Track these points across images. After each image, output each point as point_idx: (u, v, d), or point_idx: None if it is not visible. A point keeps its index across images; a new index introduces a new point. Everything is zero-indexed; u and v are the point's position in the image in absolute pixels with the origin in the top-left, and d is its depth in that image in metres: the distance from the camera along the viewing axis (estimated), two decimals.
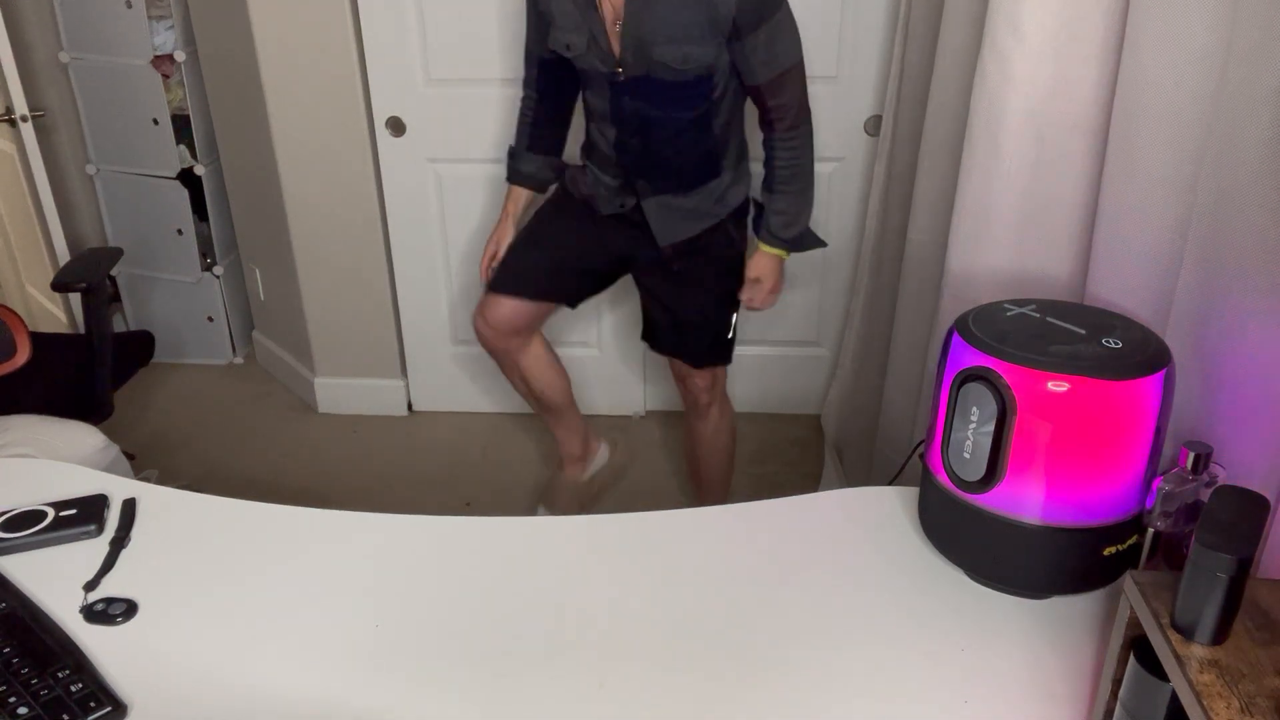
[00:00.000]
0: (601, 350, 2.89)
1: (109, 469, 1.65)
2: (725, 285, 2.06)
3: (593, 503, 2.53)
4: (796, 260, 2.81)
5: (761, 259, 1.99)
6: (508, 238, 2.13)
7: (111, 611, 1.05)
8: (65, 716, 0.90)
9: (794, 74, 1.84)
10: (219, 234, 3.24)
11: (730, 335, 2.13)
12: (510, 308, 2.10)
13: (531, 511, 2.53)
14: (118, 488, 1.27)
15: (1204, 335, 1.09)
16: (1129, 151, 1.24)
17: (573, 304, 2.19)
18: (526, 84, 2.06)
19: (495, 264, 2.12)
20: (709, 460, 2.35)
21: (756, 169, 2.04)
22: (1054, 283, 1.50)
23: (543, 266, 2.11)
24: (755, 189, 2.04)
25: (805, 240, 2.01)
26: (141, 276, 3.29)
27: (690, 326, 2.11)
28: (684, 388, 2.22)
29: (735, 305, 2.08)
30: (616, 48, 1.78)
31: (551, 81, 2.02)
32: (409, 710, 0.94)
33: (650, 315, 2.17)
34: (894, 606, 1.07)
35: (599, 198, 2.03)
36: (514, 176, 2.14)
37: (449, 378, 3.03)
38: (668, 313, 2.12)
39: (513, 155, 2.14)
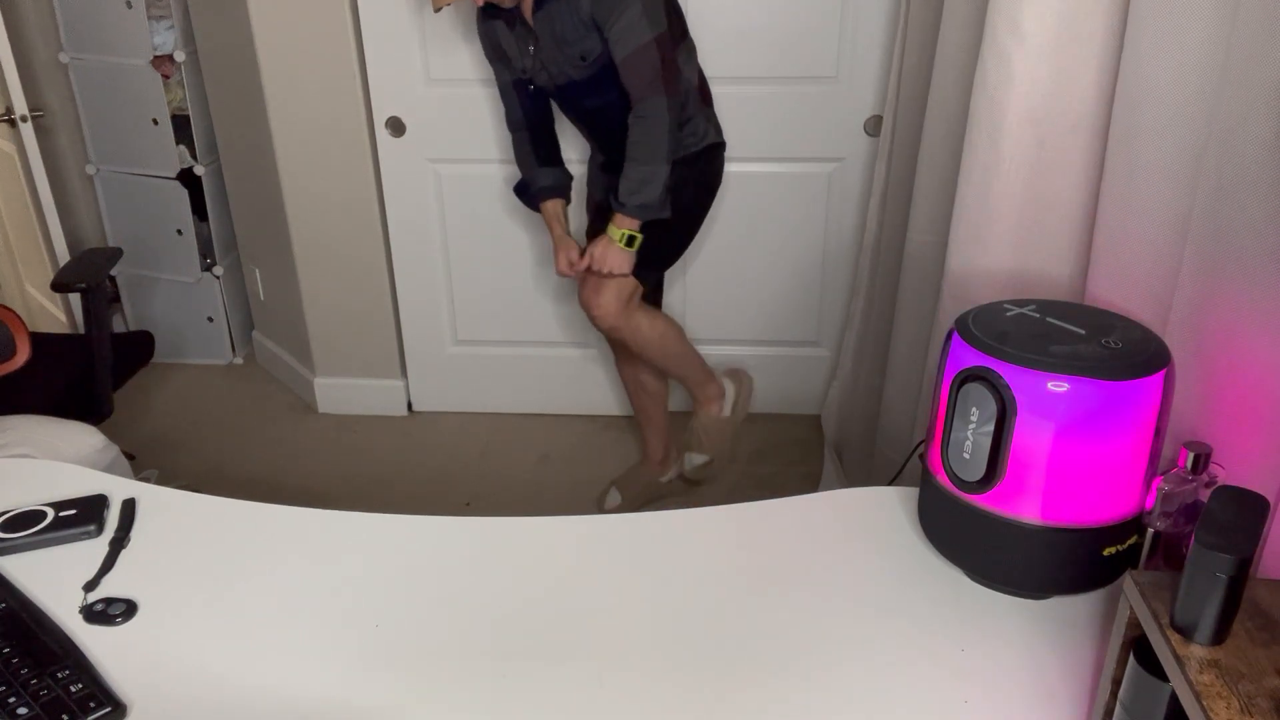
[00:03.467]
0: (601, 350, 2.89)
1: (109, 469, 1.65)
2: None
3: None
4: (797, 260, 2.81)
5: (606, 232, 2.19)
6: (574, 248, 2.31)
7: (111, 612, 1.05)
8: (65, 716, 0.90)
9: (641, 53, 2.04)
10: (219, 234, 3.24)
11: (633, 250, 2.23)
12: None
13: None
14: (117, 488, 1.27)
15: (1204, 335, 1.09)
16: (1129, 151, 1.24)
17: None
18: (513, 125, 2.33)
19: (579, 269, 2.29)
20: (658, 366, 2.47)
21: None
22: (1054, 283, 1.50)
23: None
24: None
25: (648, 210, 2.14)
26: (141, 277, 3.29)
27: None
28: (591, 319, 2.34)
29: (650, 233, 2.20)
30: (539, 67, 2.14)
31: (532, 106, 2.29)
32: (409, 710, 0.94)
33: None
34: (894, 607, 1.07)
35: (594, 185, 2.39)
36: (541, 195, 2.35)
37: (449, 378, 3.03)
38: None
39: (529, 181, 2.35)
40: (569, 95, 2.19)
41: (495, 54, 2.23)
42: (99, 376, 2.24)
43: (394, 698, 0.96)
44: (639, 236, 2.16)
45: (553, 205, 2.35)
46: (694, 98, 2.22)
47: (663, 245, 2.28)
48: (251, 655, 1.00)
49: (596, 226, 2.37)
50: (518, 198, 2.43)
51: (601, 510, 2.65)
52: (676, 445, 2.64)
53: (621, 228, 2.15)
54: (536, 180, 2.35)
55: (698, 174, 2.28)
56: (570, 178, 2.39)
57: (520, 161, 2.37)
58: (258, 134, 2.79)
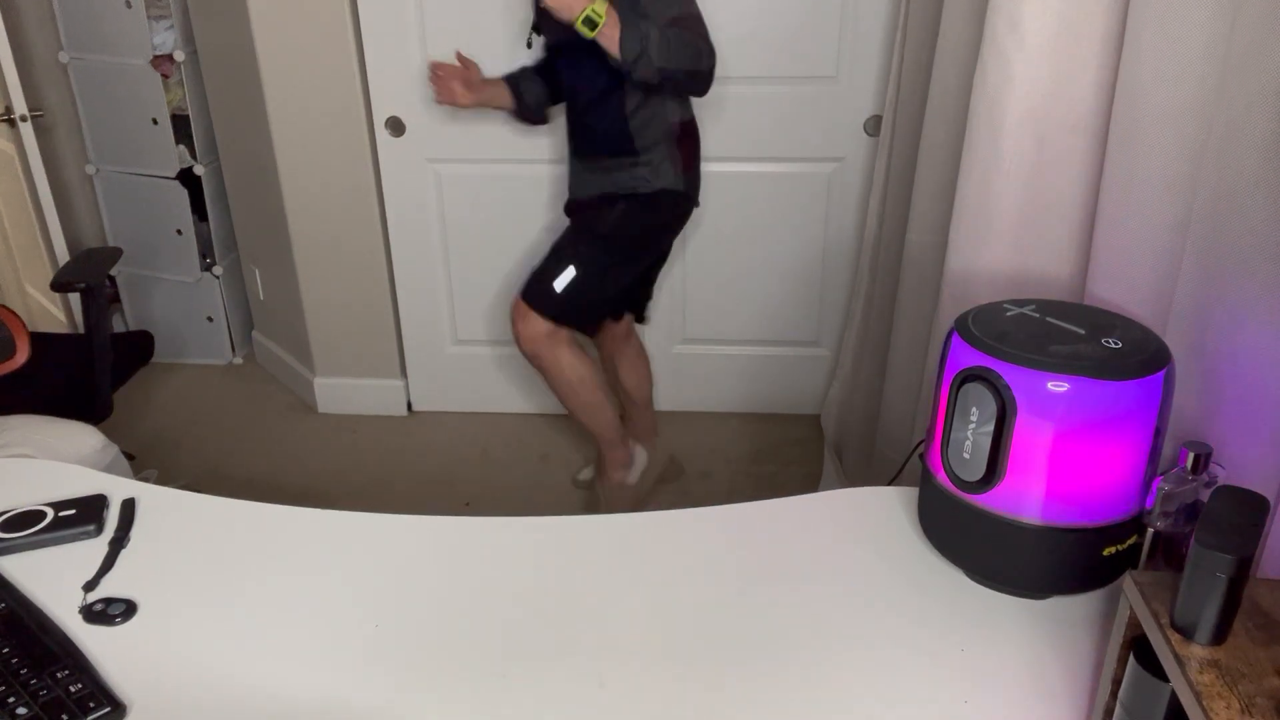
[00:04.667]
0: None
1: (108, 469, 1.65)
2: (584, 243, 2.23)
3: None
4: (797, 260, 2.82)
5: None
6: (494, 93, 2.32)
7: (111, 612, 1.05)
8: (64, 717, 0.90)
9: (688, 21, 2.01)
10: (219, 234, 3.23)
11: (557, 289, 2.20)
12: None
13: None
14: (117, 488, 1.27)
15: (1204, 335, 1.09)
16: (1129, 151, 1.24)
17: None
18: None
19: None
20: (569, 409, 2.41)
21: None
22: (1054, 283, 1.49)
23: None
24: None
25: (630, 38, 1.94)
26: (141, 276, 3.29)
27: (541, 264, 2.25)
28: (515, 338, 2.30)
29: (583, 268, 2.19)
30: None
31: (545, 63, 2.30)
32: (409, 710, 0.94)
33: None
34: (894, 606, 1.07)
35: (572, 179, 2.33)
36: (510, 79, 2.32)
37: (449, 378, 3.03)
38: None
39: (515, 75, 2.33)
40: (561, 58, 2.17)
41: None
42: (99, 376, 2.24)
43: (394, 697, 0.96)
44: (601, 21, 1.92)
45: (505, 88, 2.32)
46: (666, 133, 2.15)
47: (590, 284, 2.21)
48: (251, 655, 1.00)
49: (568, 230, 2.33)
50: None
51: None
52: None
53: (598, 7, 1.92)
54: (520, 78, 2.33)
55: (649, 216, 2.24)
56: (537, 107, 2.36)
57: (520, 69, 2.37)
58: (258, 134, 2.79)
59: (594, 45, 1.94)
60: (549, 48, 2.22)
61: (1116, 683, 0.87)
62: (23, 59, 2.79)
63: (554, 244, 2.27)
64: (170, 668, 0.98)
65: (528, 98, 2.33)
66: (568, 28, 1.92)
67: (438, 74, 2.27)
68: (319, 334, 2.98)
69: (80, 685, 0.94)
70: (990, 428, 1.02)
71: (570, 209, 2.31)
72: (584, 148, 2.22)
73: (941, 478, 1.10)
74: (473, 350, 2.99)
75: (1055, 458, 1.00)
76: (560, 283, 2.19)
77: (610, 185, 2.20)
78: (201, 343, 3.35)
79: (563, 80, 2.20)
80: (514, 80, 2.33)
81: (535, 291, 2.21)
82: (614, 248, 2.24)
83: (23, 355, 2.04)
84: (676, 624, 1.04)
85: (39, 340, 2.24)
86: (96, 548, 1.16)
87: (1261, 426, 1.00)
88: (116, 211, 3.23)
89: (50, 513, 1.18)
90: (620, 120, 2.12)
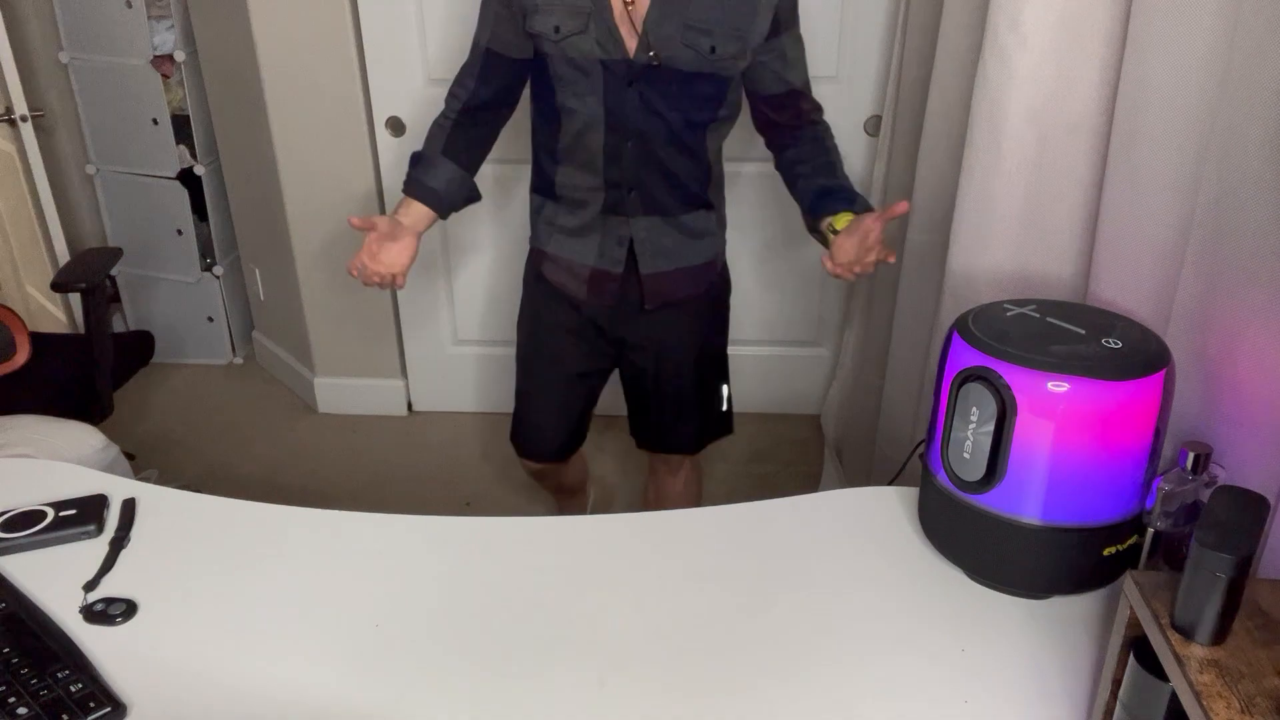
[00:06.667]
0: None
1: (109, 469, 1.65)
2: (715, 345, 1.93)
3: None
4: (797, 260, 2.82)
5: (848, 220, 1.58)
6: (408, 256, 1.67)
7: (111, 611, 1.05)
8: (65, 716, 0.90)
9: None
10: (219, 234, 3.23)
11: (725, 407, 1.97)
12: (544, 468, 2.03)
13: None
14: (117, 488, 1.27)
15: (1204, 335, 1.09)
16: (1130, 151, 1.24)
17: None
18: (458, 86, 1.70)
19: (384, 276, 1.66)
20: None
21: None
22: (1055, 283, 1.49)
23: (562, 427, 1.94)
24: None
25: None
26: (141, 277, 3.29)
27: (680, 405, 1.91)
28: (664, 463, 2.04)
29: (725, 372, 1.96)
30: (627, 30, 1.54)
31: (495, 86, 1.68)
32: (409, 710, 0.94)
33: (635, 401, 1.96)
34: (894, 607, 1.07)
35: (573, 263, 1.75)
36: (415, 188, 1.70)
37: (449, 378, 3.03)
38: (654, 393, 1.90)
39: (418, 161, 1.73)
40: (635, 85, 1.57)
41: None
42: (99, 376, 2.24)
43: (394, 697, 0.96)
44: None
45: (423, 219, 1.69)
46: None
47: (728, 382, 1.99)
48: (251, 655, 1.00)
49: (578, 350, 1.85)
50: (408, 171, 1.76)
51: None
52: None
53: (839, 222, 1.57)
54: (426, 173, 1.71)
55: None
56: (465, 196, 1.77)
57: (430, 134, 1.75)
58: (258, 134, 2.79)
59: (711, 80, 1.59)
60: (619, 74, 1.58)
61: (1116, 683, 0.87)
62: (23, 59, 2.79)
63: (667, 369, 1.86)
64: (170, 668, 0.98)
65: (446, 195, 1.73)
66: (679, 49, 1.54)
67: (360, 269, 1.65)
68: (319, 334, 2.98)
69: (80, 685, 0.94)
70: (990, 428, 1.02)
71: (648, 293, 1.76)
72: (658, 197, 1.68)
73: (942, 478, 1.10)
74: (473, 350, 2.99)
75: (1055, 458, 1.00)
76: (723, 402, 1.95)
77: (703, 250, 1.79)
78: (202, 343, 3.35)
79: (628, 112, 1.59)
80: (419, 184, 1.71)
81: (710, 431, 1.96)
82: (726, 325, 1.94)
83: (23, 355, 2.04)
84: (676, 624, 1.04)
85: (39, 340, 2.24)
86: (97, 548, 1.16)
87: (1261, 426, 1.00)
88: (117, 211, 3.23)
89: (51, 513, 1.18)
90: (703, 165, 1.71)
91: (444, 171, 1.72)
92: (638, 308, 1.80)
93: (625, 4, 1.54)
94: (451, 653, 1.01)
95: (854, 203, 1.60)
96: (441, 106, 1.75)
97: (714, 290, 1.89)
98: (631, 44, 1.55)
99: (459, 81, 1.71)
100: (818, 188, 1.66)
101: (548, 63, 1.61)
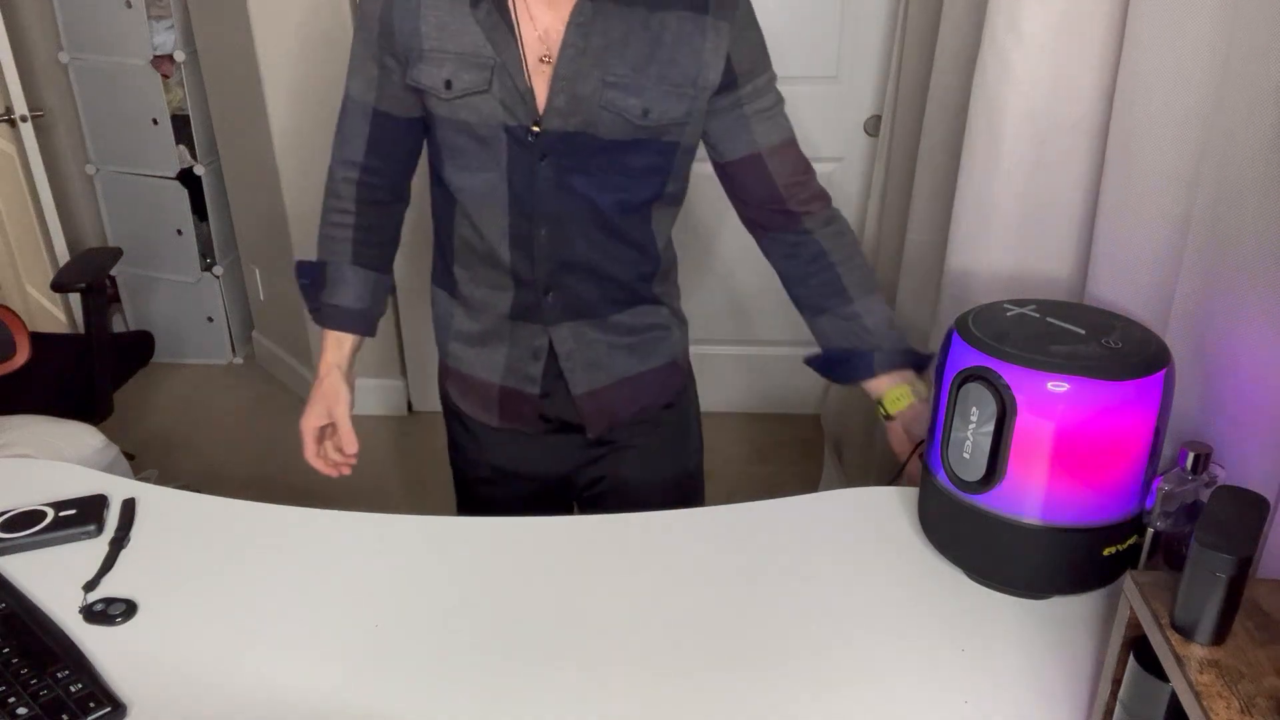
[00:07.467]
0: None
1: (109, 469, 1.65)
2: (689, 472, 1.51)
3: None
4: None
5: (904, 405, 1.31)
6: (343, 404, 1.36)
7: (111, 612, 1.05)
8: (65, 717, 0.90)
9: (795, 146, 1.34)
10: (219, 234, 3.24)
11: None
12: None
13: None
14: (117, 488, 1.27)
15: (1204, 335, 1.09)
16: (1129, 151, 1.24)
17: None
18: (343, 163, 1.34)
19: (340, 453, 1.37)
20: None
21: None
22: (1054, 283, 1.50)
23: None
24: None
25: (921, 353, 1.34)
26: (141, 276, 3.29)
27: None
28: None
29: (702, 496, 1.53)
30: (541, 89, 1.20)
31: (394, 157, 1.35)
32: (409, 710, 0.94)
33: None
34: (894, 607, 1.07)
35: (477, 381, 1.39)
36: (332, 317, 1.38)
37: None
38: None
39: (320, 282, 1.38)
40: (547, 157, 1.22)
41: (381, 36, 1.25)
42: (99, 376, 2.25)
43: (393, 697, 0.96)
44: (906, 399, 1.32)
45: (346, 343, 1.38)
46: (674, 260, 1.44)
47: None
48: (251, 655, 1.00)
49: (522, 426, 1.40)
50: (301, 292, 1.42)
51: None
52: None
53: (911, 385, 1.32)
54: (337, 293, 1.37)
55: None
56: (387, 295, 1.44)
57: (326, 238, 1.38)
58: (258, 134, 2.79)
59: (654, 150, 1.25)
60: (526, 143, 1.22)
61: (1116, 683, 0.87)
62: (23, 59, 2.79)
63: (632, 509, 1.26)
64: (170, 668, 0.99)
65: (373, 311, 1.41)
66: (599, 113, 1.20)
67: (325, 463, 1.38)
68: (319, 334, 2.98)
69: (80, 685, 0.94)
70: (990, 428, 1.02)
71: (587, 417, 1.38)
72: (584, 295, 1.32)
73: (942, 478, 1.10)
74: None
75: (1055, 458, 1.00)
76: None
77: (654, 349, 1.40)
78: (201, 343, 3.35)
79: (539, 191, 1.24)
80: (338, 311, 1.38)
81: None
82: (698, 442, 1.52)
83: (23, 355, 2.04)
84: (677, 624, 1.04)
85: (39, 340, 2.24)
86: (97, 548, 1.16)
87: (1262, 426, 1.00)
88: (117, 212, 3.24)
89: (50, 513, 1.19)
90: (649, 257, 1.34)
91: (358, 283, 1.37)
92: (581, 441, 1.41)
93: (541, 59, 1.20)
94: (451, 653, 1.01)
95: (869, 367, 1.32)
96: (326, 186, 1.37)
97: (680, 399, 1.46)
98: (542, 107, 1.21)
99: (343, 155, 1.34)
100: (832, 339, 1.36)
101: (434, 126, 1.26)
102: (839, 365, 1.37)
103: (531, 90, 1.20)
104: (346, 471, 1.38)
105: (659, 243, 1.35)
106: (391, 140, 1.33)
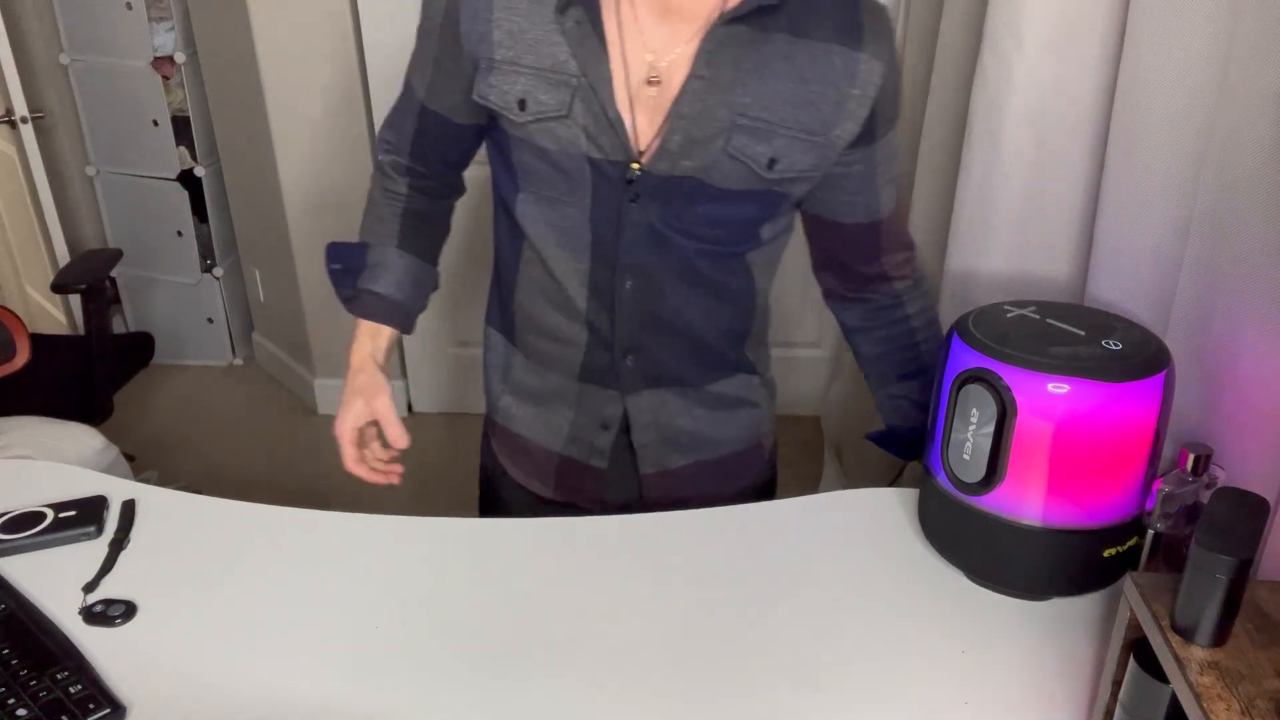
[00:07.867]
0: None
1: (109, 470, 1.65)
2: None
3: None
4: (797, 260, 2.80)
5: None
6: (385, 396, 1.26)
7: (111, 613, 1.05)
8: (64, 718, 0.90)
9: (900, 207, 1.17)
10: (219, 235, 3.24)
11: None
12: None
13: None
14: (117, 489, 1.27)
15: (1204, 336, 1.09)
16: (1129, 152, 1.24)
17: None
18: (392, 143, 1.24)
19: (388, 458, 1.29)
20: None
21: None
22: (1054, 284, 1.49)
23: None
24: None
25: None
26: (141, 278, 3.29)
27: None
28: None
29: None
30: (646, 120, 1.02)
31: (439, 154, 1.23)
32: (409, 711, 0.94)
33: None
34: (894, 608, 1.07)
35: (533, 445, 1.26)
36: (368, 305, 1.26)
37: (449, 379, 3.03)
38: None
39: (359, 264, 1.27)
40: (641, 201, 1.05)
41: (449, 33, 1.06)
42: (99, 377, 2.25)
43: (394, 698, 0.96)
44: None
45: (383, 335, 1.29)
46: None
47: None
48: (251, 656, 1.00)
49: (580, 501, 1.27)
50: (331, 279, 1.31)
51: None
52: None
53: None
54: (378, 278, 1.26)
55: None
56: (430, 292, 1.34)
57: (373, 219, 1.30)
58: (258, 134, 2.79)
59: (768, 203, 1.07)
60: (615, 183, 1.04)
61: (1117, 684, 0.87)
62: (23, 61, 2.79)
63: None
64: (170, 668, 0.98)
65: (413, 304, 1.35)
66: (719, 158, 1.01)
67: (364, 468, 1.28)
68: (319, 335, 2.98)
69: (80, 686, 0.94)
70: (990, 429, 1.02)
71: (649, 497, 1.25)
72: (669, 363, 1.16)
73: (941, 479, 1.10)
74: (473, 351, 2.99)
75: (1055, 459, 1.00)
76: None
77: (740, 428, 1.25)
78: (202, 344, 3.35)
79: (628, 240, 1.08)
80: (376, 299, 1.29)
81: None
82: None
83: (23, 356, 2.04)
84: (676, 625, 1.04)
85: (39, 341, 2.24)
86: (97, 549, 1.16)
87: (1262, 428, 1.00)
88: (117, 213, 3.24)
89: (50, 514, 1.18)
90: (746, 315, 1.18)
91: (400, 270, 1.25)
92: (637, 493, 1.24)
93: (648, 80, 1.01)
94: (452, 654, 1.01)
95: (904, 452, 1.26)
96: (377, 160, 1.26)
97: (757, 486, 1.30)
98: (645, 140, 1.02)
99: (387, 140, 1.23)
100: (911, 423, 1.22)
101: (508, 146, 1.11)
102: (915, 443, 1.19)
103: (622, 120, 1.01)
104: (396, 480, 1.21)
105: (759, 297, 1.17)
106: (441, 142, 1.19)
